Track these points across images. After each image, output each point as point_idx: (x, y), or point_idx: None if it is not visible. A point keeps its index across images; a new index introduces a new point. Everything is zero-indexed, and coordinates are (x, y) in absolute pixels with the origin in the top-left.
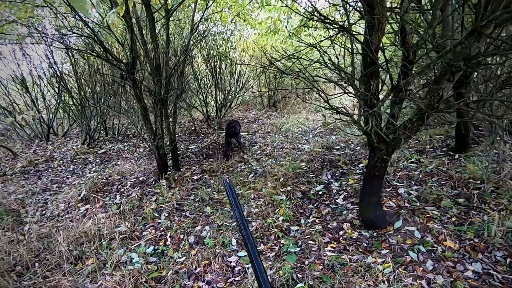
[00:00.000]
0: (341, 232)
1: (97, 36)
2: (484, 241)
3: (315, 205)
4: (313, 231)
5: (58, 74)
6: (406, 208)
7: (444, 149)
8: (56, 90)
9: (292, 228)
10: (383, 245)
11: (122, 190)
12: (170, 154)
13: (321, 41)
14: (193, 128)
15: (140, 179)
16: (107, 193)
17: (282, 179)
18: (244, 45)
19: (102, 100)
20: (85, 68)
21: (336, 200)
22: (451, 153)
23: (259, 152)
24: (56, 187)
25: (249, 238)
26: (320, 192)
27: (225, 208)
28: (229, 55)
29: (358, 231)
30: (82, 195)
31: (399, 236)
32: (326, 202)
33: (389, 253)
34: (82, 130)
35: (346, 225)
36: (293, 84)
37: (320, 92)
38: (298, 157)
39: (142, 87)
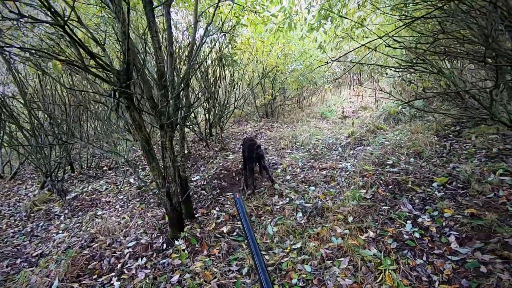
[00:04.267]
0: None
1: (68, 26)
2: None
3: (425, 258)
4: None
5: None
6: None
7: None
8: None
9: None
10: None
11: (118, 266)
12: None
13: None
14: (186, 152)
15: (143, 241)
16: (96, 275)
17: (351, 218)
18: (246, 44)
19: (65, 127)
20: (36, 88)
21: (451, 247)
22: None
23: (288, 177)
24: (7, 266)
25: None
26: (417, 235)
27: (293, 281)
28: (235, 58)
29: None
30: None
31: None
32: (436, 251)
33: None
34: (38, 169)
35: None
36: (293, 88)
37: None
38: (347, 181)
39: (140, 106)
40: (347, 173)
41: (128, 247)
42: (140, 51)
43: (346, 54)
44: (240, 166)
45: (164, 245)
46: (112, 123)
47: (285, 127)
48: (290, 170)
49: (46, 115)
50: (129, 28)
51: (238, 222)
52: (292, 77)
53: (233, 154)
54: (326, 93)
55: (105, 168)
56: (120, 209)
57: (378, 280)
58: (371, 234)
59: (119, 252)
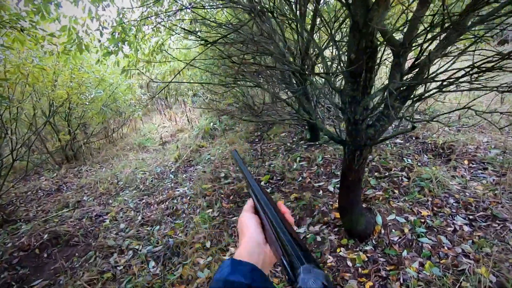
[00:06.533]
0: (349, 263)
1: None
2: None
3: None
4: None
5: None
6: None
7: (302, 141)
8: None
9: None
10: (397, 249)
11: None
12: None
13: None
14: None
15: None
16: None
17: (209, 242)
18: (14, 73)
19: None
20: None
21: None
22: (312, 143)
23: (123, 226)
24: None
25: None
26: None
27: None
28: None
29: (360, 249)
30: None
31: (393, 230)
32: None
33: (413, 252)
34: None
35: (341, 251)
36: (97, 122)
37: None
38: (191, 206)
39: None
40: (188, 197)
41: None
42: None
43: (152, 80)
44: (46, 236)
45: None
46: None
47: (99, 168)
48: (122, 217)
49: None
50: None
51: None
52: (95, 109)
53: (28, 223)
54: (137, 121)
55: None
56: None
57: None
58: (232, 250)
59: None
